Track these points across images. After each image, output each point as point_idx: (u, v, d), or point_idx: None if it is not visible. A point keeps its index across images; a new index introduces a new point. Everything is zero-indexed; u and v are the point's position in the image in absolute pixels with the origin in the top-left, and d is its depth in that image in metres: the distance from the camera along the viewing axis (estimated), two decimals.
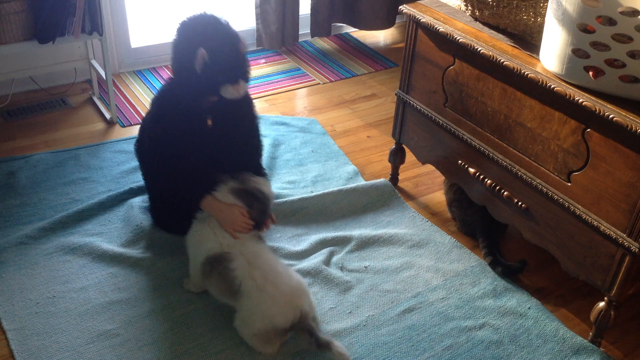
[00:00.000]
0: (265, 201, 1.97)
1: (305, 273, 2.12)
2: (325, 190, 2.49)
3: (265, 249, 1.92)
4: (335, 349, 1.74)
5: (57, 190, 2.45)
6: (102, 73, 2.89)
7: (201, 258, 1.88)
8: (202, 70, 1.86)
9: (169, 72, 3.36)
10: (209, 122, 2.01)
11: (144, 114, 2.98)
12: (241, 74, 1.94)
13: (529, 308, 2.06)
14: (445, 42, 2.16)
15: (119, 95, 3.14)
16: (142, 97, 3.15)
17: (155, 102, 2.10)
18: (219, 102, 1.98)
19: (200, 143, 2.00)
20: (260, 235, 1.98)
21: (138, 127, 2.89)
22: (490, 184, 2.13)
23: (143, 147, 2.21)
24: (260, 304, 1.76)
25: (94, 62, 3.04)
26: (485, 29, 2.12)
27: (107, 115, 2.95)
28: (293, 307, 1.75)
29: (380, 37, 3.99)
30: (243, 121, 2.10)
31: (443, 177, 2.53)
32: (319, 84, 3.41)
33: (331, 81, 3.44)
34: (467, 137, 2.18)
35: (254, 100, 2.18)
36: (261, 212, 1.96)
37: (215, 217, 1.93)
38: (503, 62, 1.94)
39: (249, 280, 1.78)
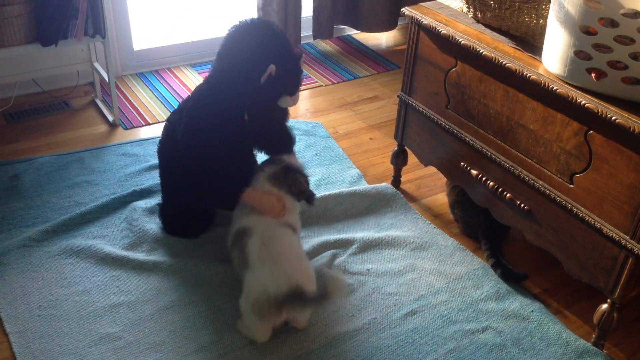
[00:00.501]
0: (300, 169, 2.13)
1: None
2: (327, 193, 2.49)
3: (286, 236, 1.96)
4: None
5: (61, 193, 2.46)
6: (105, 76, 2.90)
7: (233, 231, 2.01)
8: (265, 82, 1.93)
9: (171, 74, 3.37)
10: (246, 117, 2.05)
11: (146, 117, 3.00)
12: (299, 84, 2.05)
13: (532, 311, 2.05)
14: (447, 44, 2.16)
15: (122, 98, 3.15)
16: (144, 99, 3.16)
17: (197, 103, 2.04)
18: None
19: (239, 138, 2.04)
20: (292, 225, 2.03)
21: (143, 129, 2.92)
22: (493, 186, 2.12)
23: (168, 147, 2.14)
24: (258, 273, 1.83)
25: (96, 64, 3.05)
26: (488, 31, 2.12)
27: (110, 118, 2.96)
28: (288, 280, 1.79)
29: (382, 39, 3.99)
30: (274, 113, 2.15)
31: (445, 179, 2.53)
32: (322, 86, 3.41)
33: (333, 83, 3.44)
34: (470, 139, 2.18)
35: None
36: (303, 179, 2.10)
37: (256, 206, 2.00)
38: (505, 64, 1.93)
39: (255, 255, 1.87)
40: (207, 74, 2.12)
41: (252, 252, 1.88)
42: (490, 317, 2.03)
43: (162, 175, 2.26)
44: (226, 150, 2.01)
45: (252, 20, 2.01)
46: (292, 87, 2.00)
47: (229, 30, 2.01)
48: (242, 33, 1.98)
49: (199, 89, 2.11)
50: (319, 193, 2.52)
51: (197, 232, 2.27)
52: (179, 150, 2.06)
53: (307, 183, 2.14)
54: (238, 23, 2.00)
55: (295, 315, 1.87)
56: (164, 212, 2.28)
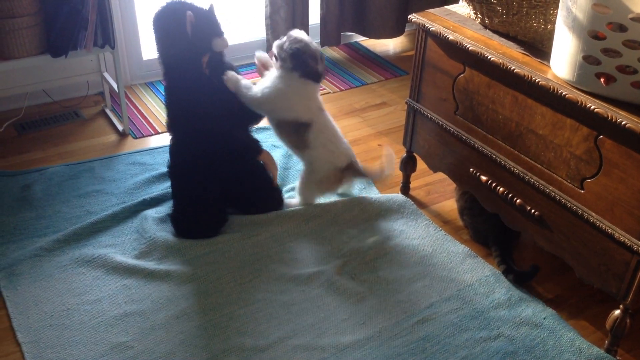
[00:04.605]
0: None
1: (319, 284, 2.12)
2: (337, 199, 2.50)
3: (332, 122, 2.44)
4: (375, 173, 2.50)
5: (72, 202, 2.47)
6: (114, 85, 2.92)
7: (290, 123, 2.37)
8: (192, 32, 2.20)
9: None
10: (206, 71, 2.31)
11: (156, 126, 3.02)
12: (222, 28, 2.30)
13: (544, 318, 2.04)
14: (455, 50, 2.16)
15: (131, 107, 3.17)
16: (154, 108, 3.18)
17: (171, 92, 2.33)
18: (209, 60, 2.30)
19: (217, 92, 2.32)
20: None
21: (153, 138, 2.94)
22: (503, 192, 2.12)
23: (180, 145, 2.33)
24: (325, 153, 2.37)
25: (106, 74, 3.07)
26: (495, 36, 2.11)
27: (120, 127, 2.98)
28: (345, 156, 2.42)
29: (390, 45, 3.99)
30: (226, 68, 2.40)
31: (455, 185, 2.52)
32: (329, 93, 3.41)
33: (341, 90, 3.44)
34: (479, 144, 2.17)
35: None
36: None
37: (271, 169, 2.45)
38: (513, 69, 1.93)
39: (317, 141, 2.35)
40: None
41: (314, 138, 2.34)
42: (502, 324, 2.01)
43: (173, 178, 2.33)
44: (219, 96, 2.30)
45: (159, 9, 2.24)
46: (216, 29, 2.27)
47: (155, 17, 2.25)
48: (164, 11, 2.23)
49: (168, 82, 2.34)
50: (328, 200, 2.53)
51: (210, 232, 2.30)
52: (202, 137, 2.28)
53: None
54: (159, 8, 2.25)
55: (348, 183, 2.51)
56: (177, 217, 2.31)
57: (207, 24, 2.24)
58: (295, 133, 2.35)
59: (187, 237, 2.28)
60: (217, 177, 2.30)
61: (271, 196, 2.45)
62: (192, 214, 2.29)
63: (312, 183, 2.42)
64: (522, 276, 2.16)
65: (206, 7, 2.26)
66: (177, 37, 2.21)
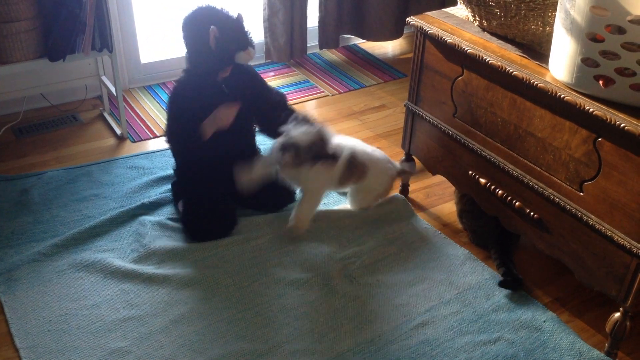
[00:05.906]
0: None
1: (318, 287, 2.12)
2: (338, 204, 2.49)
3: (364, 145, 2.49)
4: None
5: (70, 207, 2.46)
6: (113, 89, 2.91)
7: (346, 159, 2.32)
8: (216, 45, 2.14)
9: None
10: (225, 89, 2.29)
11: (154, 129, 3.02)
12: (248, 41, 2.24)
13: (544, 321, 2.03)
14: (453, 52, 2.16)
15: (130, 111, 3.16)
16: (152, 112, 3.17)
17: (177, 91, 2.31)
18: (230, 75, 2.28)
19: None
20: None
21: (151, 141, 2.94)
22: (502, 195, 2.11)
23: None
24: (382, 174, 2.44)
25: (104, 78, 3.07)
26: (494, 39, 2.11)
27: (118, 131, 2.97)
28: (390, 162, 2.48)
29: (389, 47, 3.99)
30: (251, 85, 2.37)
31: (454, 187, 2.52)
32: (328, 95, 3.41)
33: (340, 93, 3.44)
34: (477, 147, 2.17)
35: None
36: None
37: (214, 125, 2.22)
38: (512, 72, 1.93)
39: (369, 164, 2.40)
40: None
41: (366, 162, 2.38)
42: (502, 327, 2.01)
43: (180, 175, 2.38)
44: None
45: (190, 13, 2.21)
46: (241, 42, 2.20)
47: (184, 22, 2.22)
48: (192, 18, 2.20)
49: (180, 80, 2.33)
50: (327, 204, 2.52)
51: (221, 233, 2.30)
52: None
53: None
54: (189, 14, 2.21)
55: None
56: (187, 218, 2.31)
57: (233, 37, 2.18)
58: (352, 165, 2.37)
59: (198, 239, 2.28)
60: (227, 177, 2.30)
61: (281, 190, 2.44)
62: (204, 216, 2.28)
63: (371, 199, 2.47)
64: (506, 282, 2.15)
65: (237, 15, 2.22)
66: (200, 49, 2.18)
